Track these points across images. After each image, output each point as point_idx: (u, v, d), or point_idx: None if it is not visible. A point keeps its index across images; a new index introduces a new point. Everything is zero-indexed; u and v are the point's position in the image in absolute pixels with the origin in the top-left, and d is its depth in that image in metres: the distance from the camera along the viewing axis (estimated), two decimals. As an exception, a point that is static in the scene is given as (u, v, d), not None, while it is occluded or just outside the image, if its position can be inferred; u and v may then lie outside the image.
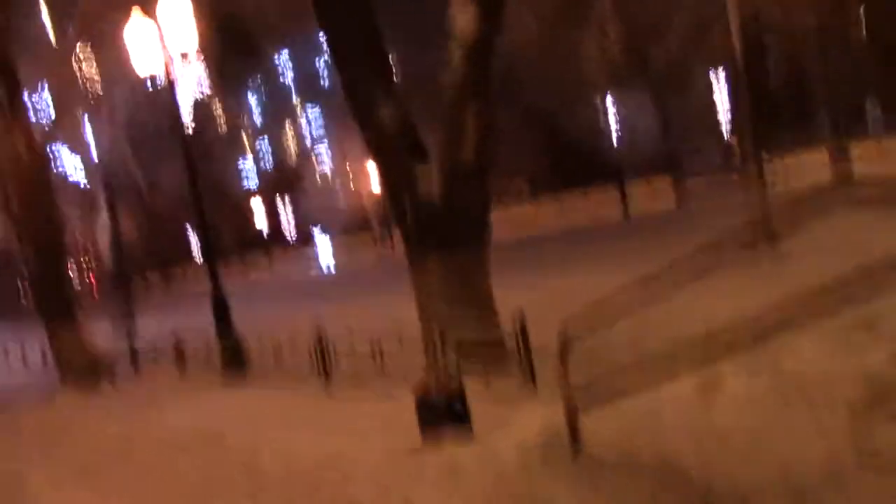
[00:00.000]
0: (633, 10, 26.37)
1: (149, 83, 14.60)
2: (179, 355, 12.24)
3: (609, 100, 34.44)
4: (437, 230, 7.55)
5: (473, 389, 6.56)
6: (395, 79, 8.00)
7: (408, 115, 7.84)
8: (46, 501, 7.09)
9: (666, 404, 4.27)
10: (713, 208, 20.12)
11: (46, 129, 13.60)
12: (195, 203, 11.84)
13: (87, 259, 53.63)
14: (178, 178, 35.17)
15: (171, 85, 11.50)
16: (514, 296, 7.61)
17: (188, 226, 52.77)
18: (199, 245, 12.14)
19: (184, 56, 11.85)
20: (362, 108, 7.86)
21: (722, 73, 33.10)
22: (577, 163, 40.54)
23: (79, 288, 60.84)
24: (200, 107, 33.36)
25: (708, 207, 21.69)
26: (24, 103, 13.24)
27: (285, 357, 9.72)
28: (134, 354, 13.94)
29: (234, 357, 10.71)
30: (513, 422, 5.50)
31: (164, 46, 10.67)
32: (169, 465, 7.13)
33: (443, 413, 5.49)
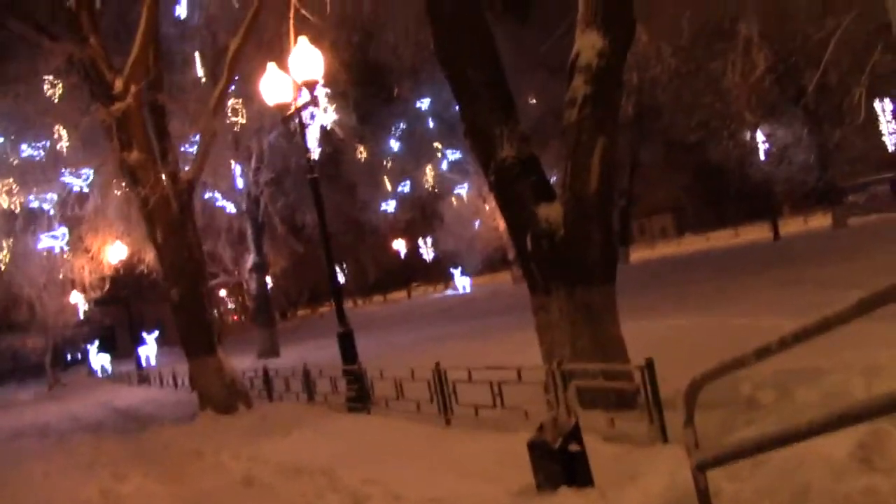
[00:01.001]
0: (784, 36, 24.81)
1: (291, 128, 15.14)
2: (308, 385, 12.58)
3: (759, 133, 32.58)
4: (560, 267, 7.15)
5: (595, 434, 6.08)
6: (517, 116, 7.69)
7: (530, 153, 7.53)
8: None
9: (813, 465, 3.61)
10: (878, 248, 18.42)
11: (192, 174, 14.27)
12: (324, 242, 12.07)
13: (237, 295, 56.94)
14: (329, 217, 36.84)
15: (302, 128, 11.87)
16: (650, 331, 7.06)
17: (337, 263, 55.30)
18: (329, 282, 12.26)
19: (314, 102, 12.14)
20: (484, 145, 7.64)
21: (890, 104, 30.61)
22: (725, 199, 38.59)
23: (229, 319, 64.81)
24: (342, 150, 34.61)
25: (871, 247, 19.81)
26: (173, 150, 14.09)
27: (407, 389, 9.55)
28: (269, 383, 14.39)
29: (357, 388, 10.72)
30: (636, 474, 4.96)
31: (295, 92, 11.06)
32: (282, 492, 7.06)
33: (558, 456, 5.01)
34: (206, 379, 13.96)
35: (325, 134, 26.17)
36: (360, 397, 10.70)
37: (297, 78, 10.61)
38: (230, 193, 27.28)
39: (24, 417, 23.68)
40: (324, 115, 23.79)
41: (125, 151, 13.13)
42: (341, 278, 60.44)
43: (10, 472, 11.74)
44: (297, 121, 11.85)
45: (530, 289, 7.56)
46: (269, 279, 38.23)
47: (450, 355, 10.98)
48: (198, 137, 14.80)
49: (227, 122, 20.98)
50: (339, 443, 8.78)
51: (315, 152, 21.04)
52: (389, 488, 6.25)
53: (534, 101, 33.07)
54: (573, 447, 4.99)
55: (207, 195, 26.04)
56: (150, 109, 13.75)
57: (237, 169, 26.91)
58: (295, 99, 11.12)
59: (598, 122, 6.89)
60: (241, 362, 20.65)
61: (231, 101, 21.11)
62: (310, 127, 11.88)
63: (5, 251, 32.48)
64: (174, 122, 15.19)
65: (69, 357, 52.04)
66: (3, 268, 33.75)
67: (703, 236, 38.43)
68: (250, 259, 29.20)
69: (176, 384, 22.26)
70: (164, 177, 13.65)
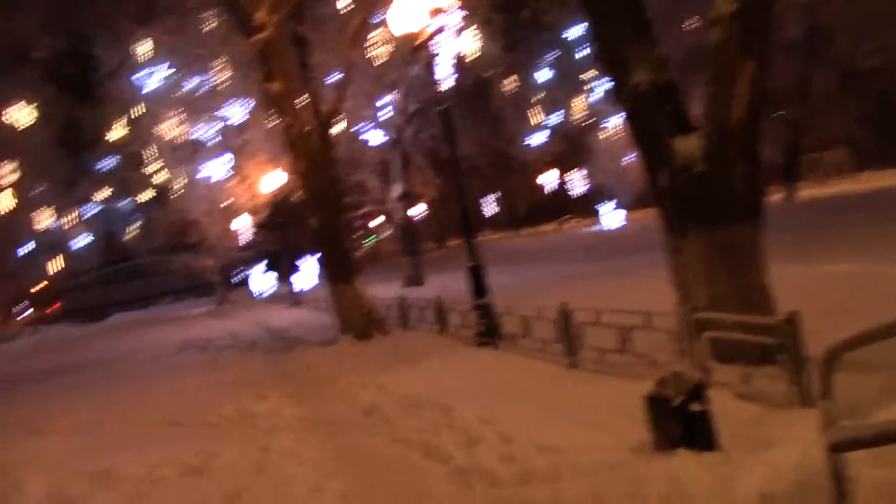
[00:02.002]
0: None
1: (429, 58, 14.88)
2: (441, 317, 12.61)
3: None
4: (697, 205, 6.48)
5: (727, 390, 5.54)
6: (653, 38, 6.92)
7: (667, 79, 6.79)
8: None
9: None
10: None
11: (332, 105, 14.33)
12: (454, 174, 11.81)
13: (382, 225, 58.45)
14: (474, 149, 36.66)
15: (431, 58, 11.54)
16: (803, 277, 6.31)
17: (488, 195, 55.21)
18: (462, 214, 12.08)
19: (443, 30, 11.70)
20: (616, 70, 6.97)
21: None
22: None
23: (383, 247, 66.86)
24: (488, 81, 33.98)
25: None
26: (314, 81, 14.21)
27: (534, 327, 9.27)
28: (405, 313, 14.59)
29: (486, 323, 10.57)
30: (767, 441, 4.42)
31: (426, 19, 10.66)
32: (399, 425, 7.07)
33: (678, 415, 4.57)
34: (344, 306, 14.35)
35: (468, 64, 25.69)
36: (488, 332, 10.55)
37: (426, 5, 10.24)
38: (376, 125, 27.60)
39: (192, 332, 25.71)
40: (464, 44, 23.27)
41: (268, 82, 13.39)
42: (494, 210, 60.57)
43: (169, 382, 12.71)
44: (428, 50, 11.52)
45: (665, 228, 6.95)
46: (420, 208, 38.88)
47: (583, 295, 10.61)
48: (339, 68, 14.83)
49: (372, 53, 21.02)
50: (463, 377, 8.69)
51: (452, 83, 20.66)
52: (503, 429, 6.04)
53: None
54: (694, 406, 4.52)
55: (355, 127, 26.53)
56: (291, 41, 13.89)
57: (384, 100, 27.10)
58: (426, 27, 10.74)
59: (744, 44, 6.05)
60: (386, 290, 21.17)
61: (377, 31, 21.06)
62: (444, 56, 11.44)
63: (176, 178, 35.03)
64: (315, 53, 15.32)
65: (236, 277, 55.79)
66: (172, 195, 36.55)
67: (884, 173, 34.71)
68: (396, 189, 29.64)
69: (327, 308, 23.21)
70: (305, 107, 13.86)
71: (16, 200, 38.50)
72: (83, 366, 19.48)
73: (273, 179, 28.30)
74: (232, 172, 29.59)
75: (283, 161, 23.19)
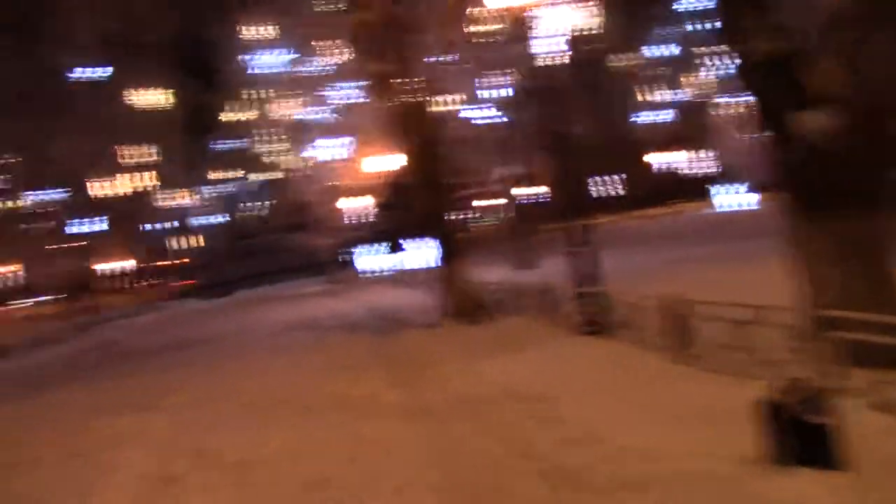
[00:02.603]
0: None
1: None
2: (546, 303, 12.23)
3: None
4: (827, 190, 5.81)
5: (859, 399, 4.94)
6: (780, 6, 6.21)
7: (794, 49, 6.10)
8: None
9: None
10: None
11: (435, 83, 14.09)
12: (559, 156, 11.31)
13: (496, 207, 58.06)
14: (589, 128, 35.73)
15: (528, 30, 11.06)
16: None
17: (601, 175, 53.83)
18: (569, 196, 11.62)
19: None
20: (739, 40, 6.33)
21: None
22: None
23: (479, 229, 66.68)
24: (604, 57, 32.88)
25: None
26: (417, 59, 13.98)
27: (642, 316, 8.75)
28: (511, 297, 14.28)
29: (593, 310, 10.12)
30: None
31: None
32: (492, 416, 6.80)
33: (796, 427, 4.06)
34: (449, 288, 14.20)
35: (583, 39, 24.83)
36: (594, 320, 10.10)
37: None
38: (490, 104, 27.26)
39: (303, 310, 26.39)
40: (578, 18, 22.43)
41: (370, 62, 13.32)
42: (607, 192, 59.03)
43: (276, 361, 12.99)
44: (537, 25, 11.06)
45: (790, 214, 6.29)
46: (535, 190, 38.36)
47: (693, 282, 10.00)
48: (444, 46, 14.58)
49: (484, 30, 20.64)
50: (563, 368, 8.34)
51: (565, 59, 19.88)
52: (598, 427, 5.69)
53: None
54: (816, 419, 3.99)
55: (467, 106, 26.31)
56: (397, 20, 13.73)
57: (498, 79, 26.71)
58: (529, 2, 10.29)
59: (881, 12, 5.32)
60: (496, 273, 20.90)
61: (487, 8, 20.61)
62: (557, 31, 10.89)
63: (294, 159, 36.06)
64: (422, 32, 15.08)
65: (349, 257, 57.10)
66: (291, 176, 37.69)
67: None
68: (510, 170, 29.26)
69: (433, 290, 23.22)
70: (410, 86, 13.71)
71: (152, 181, 40.94)
72: (202, 340, 20.32)
73: (384, 161, 28.53)
74: (345, 154, 30.07)
75: (392, 142, 23.24)
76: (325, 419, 7.79)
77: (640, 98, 40.12)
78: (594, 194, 54.97)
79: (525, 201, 31.05)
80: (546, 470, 5.18)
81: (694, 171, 48.26)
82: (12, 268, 37.39)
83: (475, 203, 43.83)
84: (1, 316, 44.40)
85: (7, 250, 36.58)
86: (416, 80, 13.78)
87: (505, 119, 28.37)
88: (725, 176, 41.61)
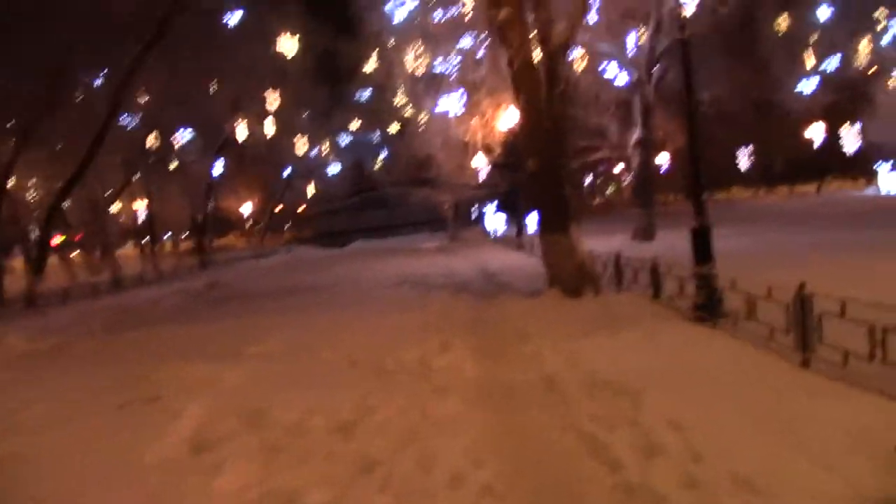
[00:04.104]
0: None
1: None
2: (656, 281, 11.16)
3: None
4: None
5: None
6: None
7: None
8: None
9: None
10: None
11: (564, 36, 12.98)
12: (688, 118, 10.09)
13: (613, 174, 55.59)
14: (730, 94, 33.09)
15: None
16: None
17: (739, 146, 50.26)
18: (691, 165, 10.31)
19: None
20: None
21: None
22: None
23: (602, 196, 64.24)
24: (757, 18, 30.09)
25: None
26: (545, 7, 12.91)
27: (762, 309, 7.64)
28: (619, 272, 13.26)
29: (705, 295, 9.03)
30: None
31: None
32: (574, 408, 6.03)
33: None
34: (556, 257, 13.32)
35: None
36: (706, 306, 9.01)
37: None
38: (619, 63, 25.60)
39: (414, 265, 26.28)
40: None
41: (493, 9, 12.43)
42: (747, 164, 55.28)
43: (371, 316, 12.66)
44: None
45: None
46: (662, 157, 36.27)
47: (830, 272, 8.74)
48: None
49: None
50: (664, 356, 7.39)
51: (703, 14, 18.14)
52: (694, 440, 4.81)
53: None
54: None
55: (595, 64, 24.84)
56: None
57: (630, 36, 25.04)
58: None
59: None
60: (611, 242, 19.84)
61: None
62: None
63: (418, 112, 35.65)
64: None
65: (470, 214, 56.73)
66: (414, 129, 37.33)
67: None
68: (636, 135, 27.60)
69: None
70: (533, 38, 12.76)
71: (276, 127, 41.78)
72: (307, 288, 20.51)
73: (507, 117, 27.58)
74: (468, 108, 29.27)
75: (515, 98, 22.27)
76: (398, 388, 7.27)
77: (800, 64, 36.57)
78: (738, 166, 51.62)
79: (648, 169, 29.24)
80: (624, 485, 4.38)
81: (858, 147, 43.98)
82: (143, 204, 39.33)
83: (597, 168, 42.12)
84: (131, 252, 47.29)
85: (141, 187, 38.50)
86: (541, 29, 12.76)
87: (639, 80, 26.59)
88: (883, 153, 37.61)
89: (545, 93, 13.13)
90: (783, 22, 36.09)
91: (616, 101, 28.30)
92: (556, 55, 13.19)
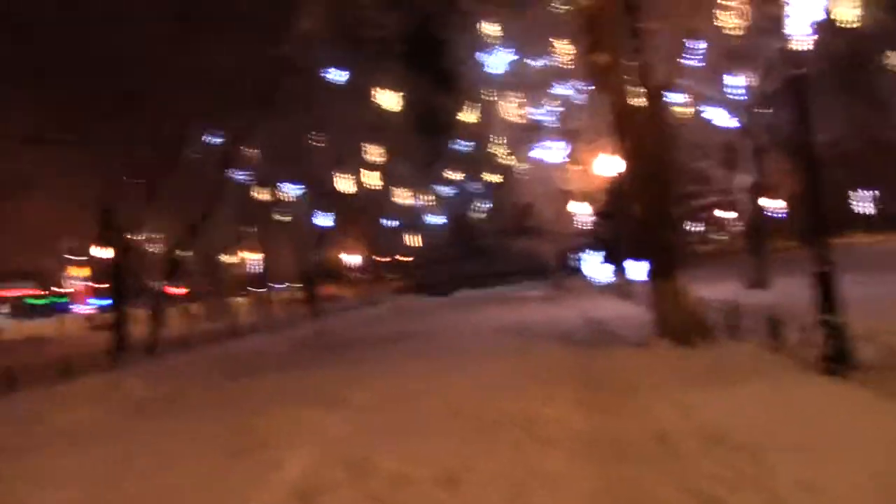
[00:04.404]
0: None
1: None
2: (775, 330, 10.50)
3: None
4: None
5: None
6: None
7: None
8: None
9: None
10: None
11: (664, 78, 12.69)
12: (805, 157, 9.52)
13: (723, 219, 53.61)
14: (845, 134, 31.50)
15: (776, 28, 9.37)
16: None
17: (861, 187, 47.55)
18: (810, 206, 9.68)
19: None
20: None
21: None
22: None
23: (711, 243, 61.82)
24: (869, 52, 28.60)
25: None
26: (644, 51, 12.68)
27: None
28: (734, 320, 12.60)
29: (833, 345, 8.38)
30: None
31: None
32: (689, 464, 5.64)
33: None
34: (663, 304, 12.83)
35: (843, 31, 21.64)
36: (835, 357, 8.36)
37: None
38: (724, 105, 24.83)
39: (516, 314, 26.00)
40: (839, 5, 19.55)
41: (593, 53, 12.33)
42: (867, 208, 52.15)
43: (472, 364, 12.49)
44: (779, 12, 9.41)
45: None
46: (775, 203, 34.76)
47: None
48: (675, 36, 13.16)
49: (721, 19, 18.61)
50: (790, 412, 6.86)
51: (813, 48, 17.31)
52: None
53: None
54: None
55: (698, 107, 24.18)
56: (623, 5, 12.58)
57: (735, 78, 24.28)
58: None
59: None
60: (723, 291, 18.99)
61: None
62: (809, 17, 9.11)
63: (517, 161, 35.75)
64: (649, 19, 13.74)
65: (573, 264, 55.95)
66: (514, 177, 37.41)
67: None
68: (745, 179, 26.60)
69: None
70: (633, 81, 12.53)
71: (381, 180, 42.81)
72: (410, 335, 20.58)
73: (607, 165, 27.24)
74: (568, 156, 29.11)
75: (616, 144, 21.97)
76: (501, 440, 7.05)
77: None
78: (853, 209, 48.92)
79: (761, 214, 28.02)
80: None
81: None
82: (258, 256, 40.86)
83: (704, 214, 40.79)
84: (246, 302, 49.06)
85: (254, 240, 40.10)
86: (641, 72, 12.54)
87: (747, 123, 25.70)
88: None
89: (648, 137, 12.84)
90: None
91: (722, 145, 27.41)
92: (657, 99, 12.92)
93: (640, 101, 12.56)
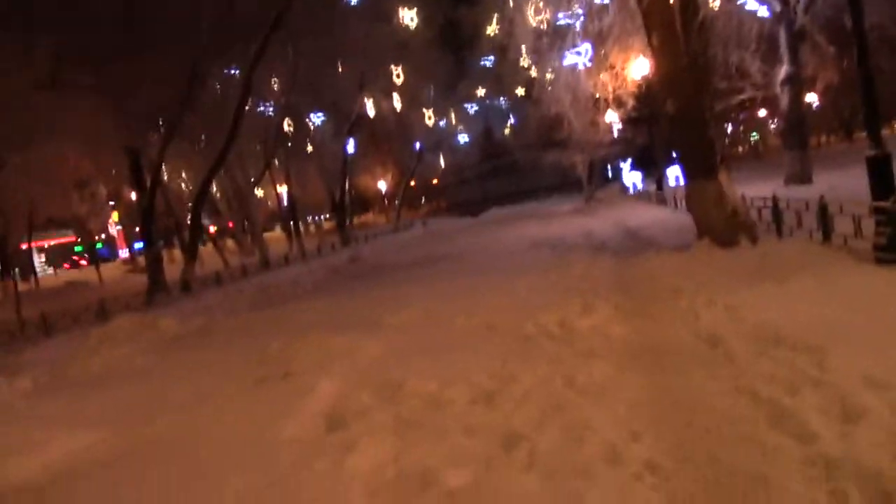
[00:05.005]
0: None
1: None
2: (825, 222, 9.92)
3: None
4: None
5: None
6: None
7: None
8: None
9: None
10: None
11: None
12: (858, 38, 8.66)
13: (765, 119, 51.63)
14: (888, 18, 29.66)
15: None
16: None
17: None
18: (863, 94, 8.91)
19: None
20: None
21: None
22: None
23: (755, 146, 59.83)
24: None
25: None
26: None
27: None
28: (778, 216, 12.01)
29: (890, 232, 7.82)
30: None
31: None
32: (745, 367, 5.26)
33: None
34: (704, 205, 12.23)
35: None
36: (891, 245, 7.81)
37: None
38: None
39: (551, 228, 25.51)
40: None
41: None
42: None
43: (508, 280, 12.12)
44: None
45: None
46: (812, 96, 33.27)
47: None
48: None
49: None
50: (847, 306, 6.38)
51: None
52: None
53: None
54: None
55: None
56: None
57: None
58: None
59: None
60: (764, 188, 18.28)
61: None
62: None
63: (544, 70, 34.50)
64: None
65: (607, 173, 54.86)
66: (542, 89, 36.19)
67: None
68: (783, 71, 25.26)
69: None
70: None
71: (405, 101, 41.89)
72: (443, 257, 20.29)
73: (638, 67, 26.13)
74: (595, 61, 27.87)
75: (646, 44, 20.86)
76: (540, 354, 6.74)
77: None
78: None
79: (800, 106, 26.72)
80: (821, 460, 3.63)
81: None
82: (286, 188, 40.56)
83: (742, 114, 39.28)
84: (279, 235, 49.11)
85: (281, 172, 39.78)
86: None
87: (784, 8, 24.23)
88: None
89: (680, 26, 11.99)
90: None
91: (758, 36, 25.97)
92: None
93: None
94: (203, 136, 28.54)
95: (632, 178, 46.89)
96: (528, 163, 53.47)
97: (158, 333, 12.04)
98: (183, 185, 40.02)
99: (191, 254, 25.23)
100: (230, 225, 44.87)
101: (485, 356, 6.70)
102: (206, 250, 39.78)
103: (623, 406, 4.96)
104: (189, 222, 28.24)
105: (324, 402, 5.76)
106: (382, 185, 56.79)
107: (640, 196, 38.68)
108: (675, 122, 12.44)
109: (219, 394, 6.60)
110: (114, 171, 28.07)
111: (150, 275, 23.68)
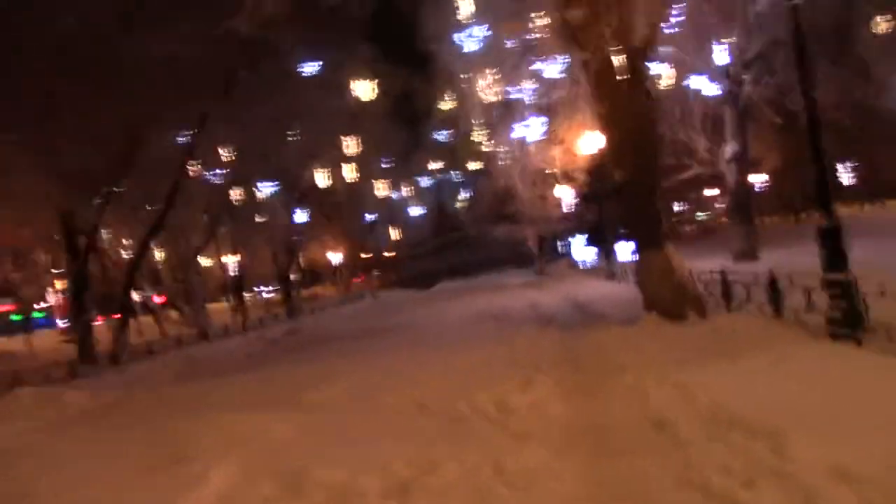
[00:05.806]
0: None
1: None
2: (776, 297, 9.49)
3: None
4: None
5: None
6: None
7: None
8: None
9: None
10: None
11: (645, 38, 11.57)
12: (809, 123, 8.40)
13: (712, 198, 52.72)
14: (830, 102, 30.53)
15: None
16: None
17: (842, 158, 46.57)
18: (815, 173, 8.74)
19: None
20: None
21: None
22: None
23: (695, 222, 60.93)
24: (854, 20, 27.61)
25: None
26: (622, 5, 11.56)
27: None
28: (727, 290, 11.62)
29: (844, 307, 7.38)
30: None
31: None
32: (695, 454, 4.62)
33: None
34: (650, 277, 11.83)
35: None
36: (847, 320, 7.36)
37: None
38: (706, 72, 23.83)
39: (500, 301, 24.91)
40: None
41: (566, 9, 11.24)
42: (850, 178, 51.27)
43: (448, 354, 11.38)
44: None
45: None
46: (758, 178, 33.84)
47: None
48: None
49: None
50: (804, 385, 5.86)
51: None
52: (871, 497, 3.35)
53: None
54: None
55: (680, 75, 23.19)
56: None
57: (719, 42, 23.28)
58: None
59: None
60: (711, 263, 18.05)
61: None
62: None
63: (496, 144, 34.59)
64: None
65: (556, 248, 55.02)
66: (495, 163, 36.27)
67: None
68: (729, 150, 25.62)
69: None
70: (611, 40, 11.46)
71: (357, 173, 41.40)
72: (390, 329, 19.53)
73: (588, 142, 26.22)
74: (547, 134, 27.94)
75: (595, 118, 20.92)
76: (469, 436, 6.02)
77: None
78: (841, 179, 48.07)
79: (746, 184, 27.02)
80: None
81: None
82: (234, 258, 39.41)
83: (689, 195, 39.87)
84: (223, 306, 47.67)
85: (230, 242, 38.72)
86: (619, 29, 11.42)
87: (730, 90, 24.71)
88: None
89: (629, 100, 11.77)
90: (883, 23, 33.25)
91: (704, 116, 26.42)
92: (637, 60, 11.82)
93: (620, 60, 11.46)
94: (147, 203, 27.58)
95: (583, 253, 46.99)
96: (481, 236, 53.36)
97: (60, 409, 10.95)
98: (123, 252, 38.62)
99: (122, 324, 23.94)
100: (164, 299, 43.12)
101: (408, 440, 5.95)
102: (147, 321, 38.17)
103: (555, 500, 4.26)
104: (124, 291, 26.98)
105: (214, 494, 4.92)
106: (334, 257, 55.88)
107: (589, 271, 38.61)
108: (623, 191, 12.14)
109: (97, 482, 5.69)
110: (56, 237, 26.81)
111: (80, 345, 22.34)
